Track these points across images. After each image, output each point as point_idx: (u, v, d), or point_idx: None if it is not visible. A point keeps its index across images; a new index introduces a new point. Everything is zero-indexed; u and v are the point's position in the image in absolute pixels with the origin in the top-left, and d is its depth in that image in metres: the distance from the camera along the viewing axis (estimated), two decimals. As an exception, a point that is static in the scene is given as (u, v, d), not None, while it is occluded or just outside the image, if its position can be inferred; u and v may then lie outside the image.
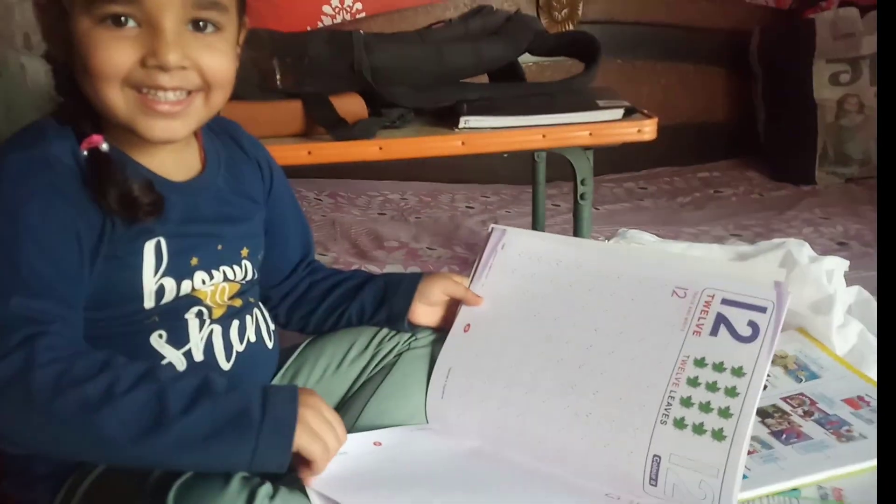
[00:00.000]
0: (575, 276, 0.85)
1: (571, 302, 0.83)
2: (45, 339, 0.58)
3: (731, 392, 0.70)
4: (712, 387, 0.71)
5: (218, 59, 0.66)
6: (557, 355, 0.79)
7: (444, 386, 0.82)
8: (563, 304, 0.83)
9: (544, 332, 0.82)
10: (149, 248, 0.68)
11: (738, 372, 0.71)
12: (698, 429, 0.70)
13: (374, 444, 0.73)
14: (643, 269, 0.82)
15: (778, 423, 0.85)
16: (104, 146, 0.66)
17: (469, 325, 0.86)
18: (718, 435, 0.69)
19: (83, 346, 0.62)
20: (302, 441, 0.60)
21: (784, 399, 0.89)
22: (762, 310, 0.74)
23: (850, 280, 1.06)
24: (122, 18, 0.62)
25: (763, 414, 0.86)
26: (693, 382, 0.72)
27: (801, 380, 0.93)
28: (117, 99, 0.64)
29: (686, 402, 0.71)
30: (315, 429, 0.62)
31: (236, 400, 0.60)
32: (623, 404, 0.74)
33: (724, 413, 0.70)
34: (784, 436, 0.82)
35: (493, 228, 0.92)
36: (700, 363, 0.73)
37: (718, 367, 0.72)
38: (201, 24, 0.65)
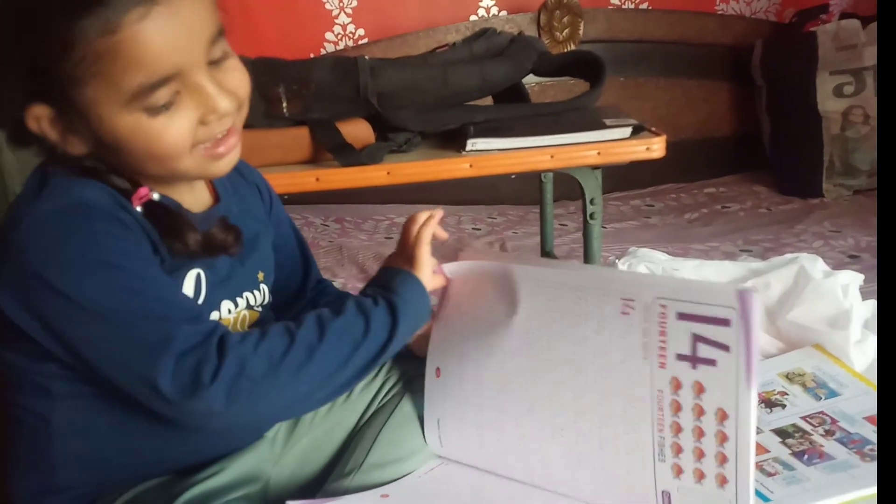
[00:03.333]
0: (518, 296, 0.74)
1: (524, 331, 0.74)
2: (227, 337, 0.63)
3: (721, 435, 0.63)
4: (700, 431, 0.64)
5: (240, 75, 0.66)
6: (533, 396, 0.72)
7: (439, 437, 0.79)
8: (516, 336, 0.74)
9: (509, 371, 0.74)
10: (189, 278, 0.68)
11: (721, 413, 0.63)
12: (698, 474, 0.65)
13: (382, 496, 0.71)
14: (587, 282, 0.72)
15: (799, 443, 0.83)
16: (155, 196, 0.66)
17: (438, 368, 0.80)
18: (721, 478, 0.64)
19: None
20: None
21: (804, 418, 0.87)
22: (725, 323, 0.62)
23: (864, 294, 1.05)
24: (168, 103, 0.62)
25: (783, 434, 0.84)
26: (678, 427, 0.65)
27: (821, 398, 0.91)
28: (188, 164, 0.65)
29: (678, 449, 0.65)
30: None
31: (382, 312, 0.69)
32: (616, 445, 0.68)
33: (720, 458, 0.64)
34: (806, 456, 0.80)
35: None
36: (677, 402, 0.65)
37: (699, 407, 0.64)
38: (219, 57, 0.65)
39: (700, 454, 0.64)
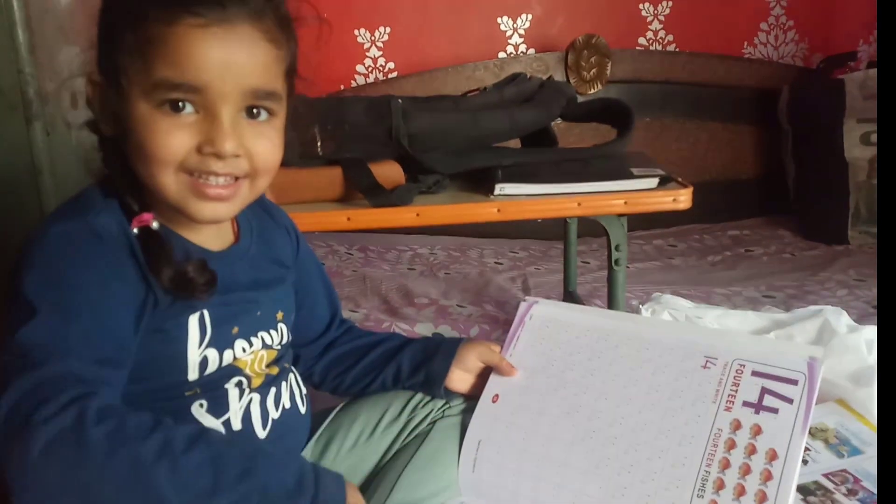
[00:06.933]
0: (603, 345, 0.85)
1: (601, 372, 0.83)
2: (96, 398, 0.58)
3: (766, 473, 0.69)
4: (747, 468, 0.70)
5: (268, 146, 0.68)
6: (589, 428, 0.79)
7: (474, 459, 0.82)
8: (592, 375, 0.83)
9: (574, 403, 0.81)
10: (193, 320, 0.69)
11: (771, 453, 0.70)
12: None
13: None
14: (672, 339, 0.82)
15: (821, 501, 0.82)
16: (154, 224, 0.67)
17: (497, 395, 0.86)
18: None
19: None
20: None
21: (826, 475, 0.87)
22: (794, 382, 0.73)
23: (889, 350, 1.05)
24: (181, 104, 0.64)
25: (805, 491, 0.84)
26: (726, 462, 0.71)
27: (844, 455, 0.90)
28: (170, 182, 0.66)
29: (720, 485, 0.70)
30: None
31: (293, 470, 0.61)
32: (659, 479, 0.73)
33: (760, 496, 0.68)
34: (828, 515, 0.80)
35: (523, 300, 0.93)
36: (733, 440, 0.72)
37: (752, 446, 0.71)
38: (255, 111, 0.67)
39: (741, 491, 0.69)
